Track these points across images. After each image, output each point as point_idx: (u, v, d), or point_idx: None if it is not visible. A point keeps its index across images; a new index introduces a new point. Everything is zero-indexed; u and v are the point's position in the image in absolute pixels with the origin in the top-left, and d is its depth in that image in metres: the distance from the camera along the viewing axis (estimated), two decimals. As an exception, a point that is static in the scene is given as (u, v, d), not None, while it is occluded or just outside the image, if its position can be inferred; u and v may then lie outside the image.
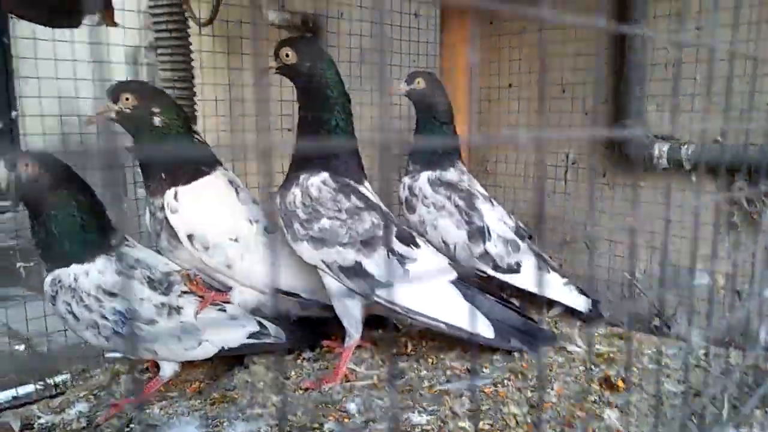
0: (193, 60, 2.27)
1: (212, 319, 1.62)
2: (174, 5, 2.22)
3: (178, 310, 1.58)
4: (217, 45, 2.37)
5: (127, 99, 1.52)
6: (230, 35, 2.30)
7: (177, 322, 1.57)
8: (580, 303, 1.92)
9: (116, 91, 1.53)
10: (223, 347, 1.64)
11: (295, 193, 1.62)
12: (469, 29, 2.12)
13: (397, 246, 1.64)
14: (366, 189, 1.72)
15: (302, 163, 1.64)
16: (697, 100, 1.88)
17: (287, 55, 1.61)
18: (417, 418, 1.37)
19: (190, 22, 2.31)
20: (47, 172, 1.46)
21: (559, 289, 1.93)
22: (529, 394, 1.47)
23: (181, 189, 1.61)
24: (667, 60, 1.97)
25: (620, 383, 1.47)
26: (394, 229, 1.66)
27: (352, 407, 1.44)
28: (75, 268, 1.53)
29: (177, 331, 1.56)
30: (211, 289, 1.70)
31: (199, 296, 1.64)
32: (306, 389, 1.59)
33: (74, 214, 1.51)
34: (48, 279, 1.53)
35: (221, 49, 2.34)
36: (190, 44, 2.27)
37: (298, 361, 1.79)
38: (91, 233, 1.54)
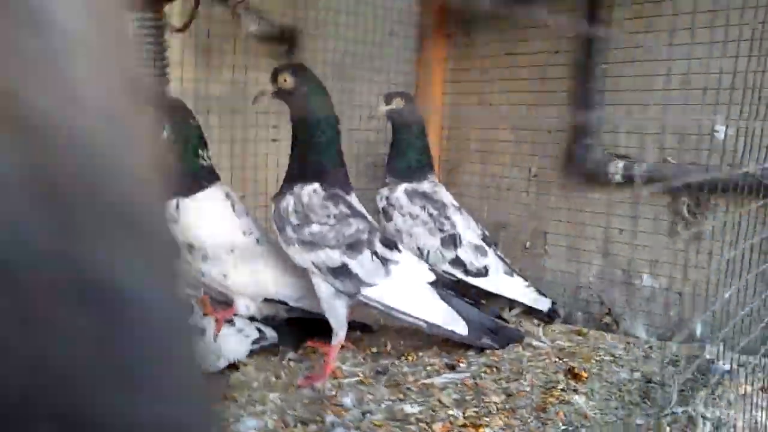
0: (168, 66, 2.29)
1: (225, 335, 1.72)
2: (151, 12, 2.24)
3: (202, 332, 1.65)
4: (193, 54, 2.40)
5: None
6: (208, 45, 2.35)
7: (202, 342, 1.63)
8: (540, 303, 2.12)
9: None
10: (235, 359, 1.72)
11: (289, 200, 1.72)
12: (445, 48, 2.30)
13: (381, 249, 1.77)
14: (353, 199, 1.84)
15: (295, 175, 1.74)
16: (651, 123, 2.14)
17: (285, 80, 1.71)
18: (410, 408, 1.50)
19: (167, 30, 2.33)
20: None
21: (521, 290, 2.12)
22: (505, 385, 1.63)
23: (183, 201, 1.69)
24: (626, 86, 2.22)
25: (583, 373, 1.67)
26: (378, 234, 1.79)
27: (347, 401, 1.55)
28: None
29: (204, 351, 1.62)
30: (218, 307, 1.79)
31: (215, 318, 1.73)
32: (299, 386, 1.68)
33: None
34: None
35: (198, 59, 2.37)
36: (166, 50, 2.29)
37: (284, 362, 1.88)
38: None
